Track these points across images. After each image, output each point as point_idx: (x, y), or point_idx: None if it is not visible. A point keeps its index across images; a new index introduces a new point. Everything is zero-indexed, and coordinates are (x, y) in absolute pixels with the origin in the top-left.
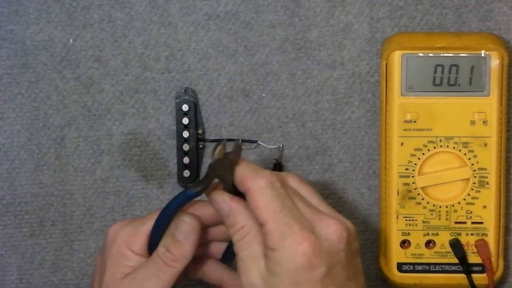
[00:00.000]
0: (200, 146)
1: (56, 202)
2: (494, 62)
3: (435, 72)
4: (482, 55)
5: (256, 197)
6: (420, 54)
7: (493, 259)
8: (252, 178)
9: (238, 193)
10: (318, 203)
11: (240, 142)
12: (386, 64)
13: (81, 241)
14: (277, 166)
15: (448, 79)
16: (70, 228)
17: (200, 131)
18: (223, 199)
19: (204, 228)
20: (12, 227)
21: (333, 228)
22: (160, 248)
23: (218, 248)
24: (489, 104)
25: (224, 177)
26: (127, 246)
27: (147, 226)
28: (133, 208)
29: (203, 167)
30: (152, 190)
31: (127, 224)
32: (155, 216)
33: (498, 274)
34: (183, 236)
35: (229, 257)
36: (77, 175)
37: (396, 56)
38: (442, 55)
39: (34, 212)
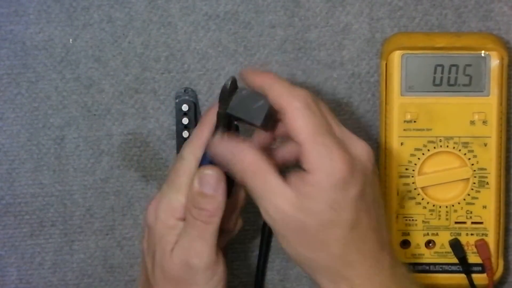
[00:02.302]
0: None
1: (56, 202)
2: (494, 62)
3: (435, 72)
4: (482, 55)
5: (293, 118)
6: (420, 54)
7: (493, 259)
8: (288, 98)
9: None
10: (341, 125)
11: (233, 78)
12: (386, 64)
13: (81, 241)
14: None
15: (448, 79)
16: (70, 228)
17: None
18: (222, 148)
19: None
20: (12, 227)
21: (365, 149)
22: (193, 210)
23: None
24: (489, 104)
25: (229, 117)
26: (172, 215)
27: (183, 191)
28: (133, 208)
29: None
30: (152, 190)
31: (161, 199)
32: (183, 179)
33: (498, 274)
34: (212, 189)
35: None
36: (77, 175)
37: (396, 56)
38: (442, 55)
39: (34, 212)
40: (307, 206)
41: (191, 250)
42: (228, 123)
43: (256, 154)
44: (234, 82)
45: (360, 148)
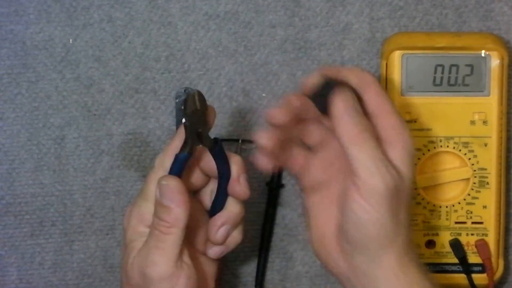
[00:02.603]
0: (200, 146)
1: (56, 202)
2: (494, 62)
3: (435, 72)
4: (482, 55)
5: (340, 124)
6: (420, 54)
7: (493, 259)
8: (383, 100)
9: (214, 141)
10: None
11: (199, 92)
12: (386, 64)
13: (81, 241)
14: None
15: (448, 79)
16: (70, 228)
17: (199, 131)
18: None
19: (206, 175)
20: (12, 227)
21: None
22: (154, 219)
23: (205, 199)
24: (489, 104)
25: (201, 131)
26: (140, 222)
27: (152, 199)
28: None
29: None
30: None
31: (134, 205)
32: (152, 188)
33: (498, 274)
34: (169, 200)
35: (219, 207)
36: (77, 175)
37: (396, 56)
38: (442, 55)
39: (34, 212)
40: (397, 183)
41: (147, 259)
42: (198, 136)
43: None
44: (200, 95)
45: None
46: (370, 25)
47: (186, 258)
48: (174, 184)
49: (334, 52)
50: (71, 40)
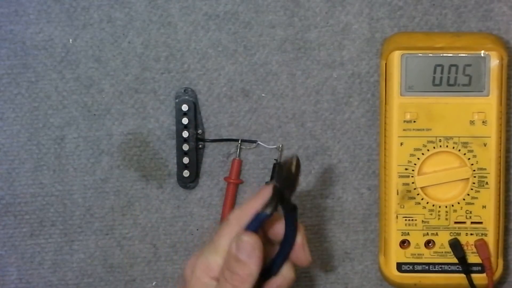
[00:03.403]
0: (200, 146)
1: (56, 202)
2: (494, 62)
3: (434, 72)
4: (482, 55)
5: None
6: (420, 54)
7: (493, 259)
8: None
9: (293, 208)
10: None
11: (297, 157)
12: (386, 64)
13: (81, 241)
14: (277, 166)
15: (448, 79)
16: (70, 228)
17: (199, 131)
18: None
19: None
20: (12, 227)
21: None
22: (226, 272)
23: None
24: (488, 104)
25: (285, 195)
26: (206, 273)
27: (222, 252)
28: (133, 208)
29: (202, 167)
30: (152, 190)
31: (200, 256)
32: (224, 242)
33: (498, 274)
34: (246, 255)
35: (276, 270)
36: (77, 175)
37: (396, 56)
38: (441, 55)
39: (34, 212)
40: None
41: None
42: (281, 199)
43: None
44: (298, 161)
45: None
46: (370, 25)
47: None
48: (254, 240)
49: (333, 52)
50: (71, 40)
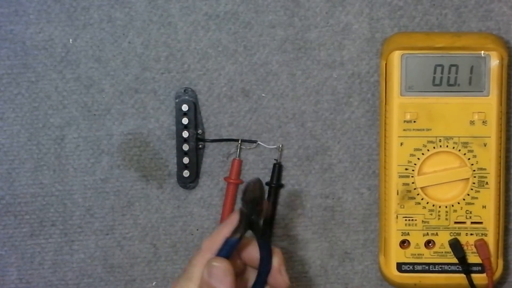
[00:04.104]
0: (200, 146)
1: (56, 202)
2: (494, 62)
3: (434, 72)
4: (482, 55)
5: None
6: (420, 54)
7: (493, 259)
8: None
9: (264, 232)
10: None
11: (259, 179)
12: (386, 64)
13: (81, 241)
14: (277, 166)
15: (448, 79)
16: (70, 228)
17: (199, 131)
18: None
19: (245, 264)
20: (12, 227)
21: None
22: None
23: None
24: (488, 104)
25: (253, 219)
26: None
27: (195, 280)
28: (133, 208)
29: (202, 167)
30: (152, 190)
31: (177, 284)
32: (197, 269)
33: (498, 274)
34: (218, 281)
35: None
36: (77, 175)
37: (396, 56)
38: (441, 55)
39: (34, 212)
40: None
41: None
42: (250, 223)
43: None
44: (261, 183)
45: None
46: (370, 25)
47: None
48: (224, 266)
49: (333, 52)
50: (71, 40)
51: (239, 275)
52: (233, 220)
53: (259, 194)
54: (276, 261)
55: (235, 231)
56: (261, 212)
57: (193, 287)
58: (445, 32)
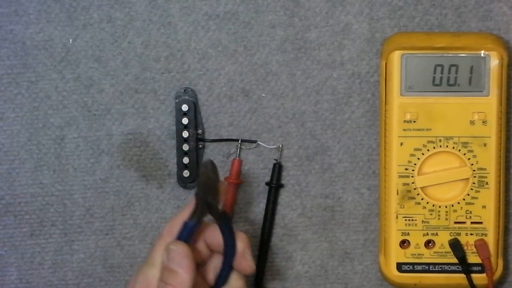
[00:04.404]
0: (200, 146)
1: (56, 202)
2: (494, 62)
3: (434, 72)
4: (482, 55)
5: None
6: (420, 54)
7: (493, 259)
8: None
9: (223, 215)
10: None
11: (212, 162)
12: (386, 64)
13: (81, 241)
14: (277, 166)
15: (448, 79)
16: (70, 228)
17: (199, 131)
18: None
19: (209, 250)
20: (12, 227)
21: None
22: (160, 284)
23: (207, 274)
24: (488, 104)
25: (209, 201)
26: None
27: (158, 265)
28: (132, 208)
29: None
30: (152, 190)
31: (139, 272)
32: (158, 254)
33: (498, 274)
34: (176, 264)
35: (223, 281)
36: (77, 175)
37: (396, 56)
38: (441, 55)
39: (34, 212)
40: None
41: None
42: (207, 206)
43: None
44: (213, 164)
45: None
46: (370, 25)
47: None
48: (182, 249)
49: (333, 52)
50: (71, 40)
51: (206, 261)
52: (190, 205)
53: (213, 177)
54: (240, 245)
55: (193, 214)
56: (217, 195)
57: (156, 272)
58: (445, 32)
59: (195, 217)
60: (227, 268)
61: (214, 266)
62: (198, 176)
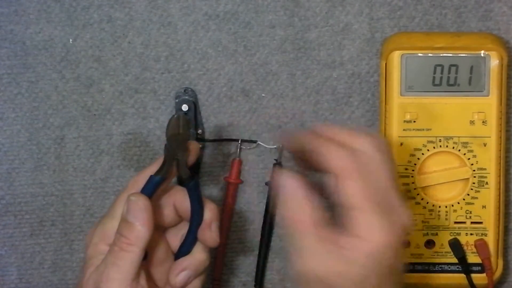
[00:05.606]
0: (200, 146)
1: (56, 202)
2: (494, 62)
3: (434, 72)
4: (482, 55)
5: (345, 183)
6: (420, 54)
7: (493, 259)
8: (335, 159)
9: (191, 177)
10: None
11: (183, 115)
12: (386, 64)
13: (81, 241)
14: (277, 166)
15: (448, 79)
16: (70, 228)
17: (199, 131)
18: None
19: (179, 215)
20: (12, 227)
21: (408, 219)
22: (116, 235)
23: (173, 241)
24: (488, 104)
25: (178, 157)
26: (103, 240)
27: (118, 218)
28: None
29: (202, 167)
30: None
31: (98, 224)
32: (120, 207)
33: (498, 274)
34: (133, 216)
35: (186, 250)
36: (77, 175)
37: (396, 56)
38: (441, 55)
39: (34, 212)
40: (345, 270)
41: (103, 275)
42: (176, 162)
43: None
44: (184, 119)
45: (406, 218)
46: (370, 25)
47: (142, 281)
48: (142, 201)
49: (333, 52)
50: (71, 40)
51: (173, 226)
52: (159, 160)
53: (183, 131)
54: (208, 214)
55: (160, 169)
56: (187, 152)
57: (115, 224)
58: (445, 32)
59: (161, 172)
60: (191, 237)
61: (182, 234)
62: (167, 127)
